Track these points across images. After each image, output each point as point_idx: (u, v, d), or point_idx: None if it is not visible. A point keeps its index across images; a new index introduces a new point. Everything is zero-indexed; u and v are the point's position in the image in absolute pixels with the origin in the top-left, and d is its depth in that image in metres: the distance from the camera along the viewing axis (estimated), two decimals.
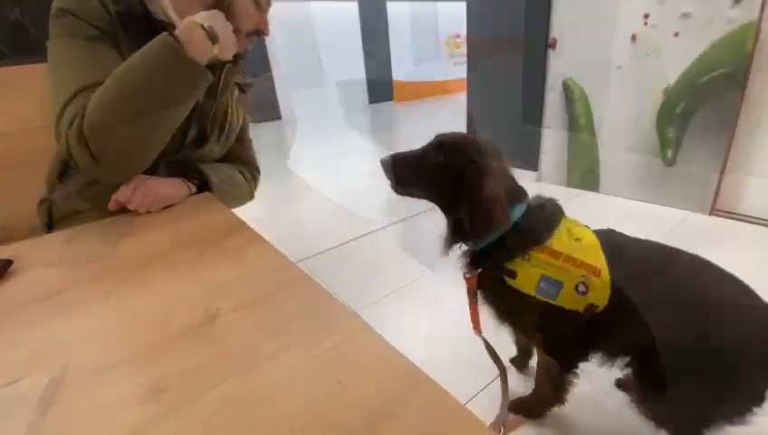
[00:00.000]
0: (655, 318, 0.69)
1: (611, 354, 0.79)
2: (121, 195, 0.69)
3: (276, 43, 6.17)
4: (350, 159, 3.93)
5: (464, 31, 2.93)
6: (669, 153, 2.07)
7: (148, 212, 0.70)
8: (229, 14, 0.70)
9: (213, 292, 0.44)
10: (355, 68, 7.02)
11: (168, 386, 0.32)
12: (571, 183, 2.54)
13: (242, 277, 0.48)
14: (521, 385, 1.08)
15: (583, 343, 0.79)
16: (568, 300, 0.71)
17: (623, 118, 2.20)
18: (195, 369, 0.33)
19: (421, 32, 7.25)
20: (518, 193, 0.79)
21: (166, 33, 0.63)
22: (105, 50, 0.69)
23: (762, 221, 1.90)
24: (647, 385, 0.76)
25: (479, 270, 0.78)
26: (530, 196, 0.81)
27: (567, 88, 2.38)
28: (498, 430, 0.79)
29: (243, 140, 0.99)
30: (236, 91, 0.90)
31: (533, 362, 1.08)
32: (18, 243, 0.65)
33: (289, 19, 6.19)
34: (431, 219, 2.48)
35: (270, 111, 6.48)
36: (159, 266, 0.52)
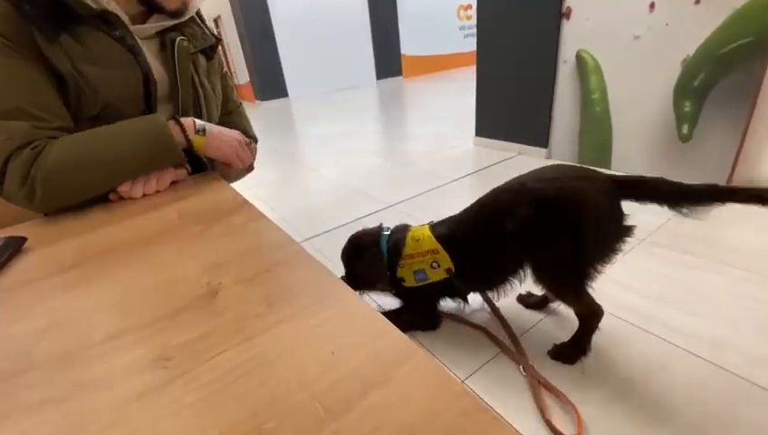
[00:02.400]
0: (489, 235, 1.05)
1: (486, 282, 1.18)
2: (124, 187, 0.69)
3: (281, 21, 6.04)
4: (357, 137, 3.90)
5: (474, 1, 2.83)
6: (686, 128, 2.01)
7: (157, 192, 0.71)
8: None
9: (215, 267, 0.46)
10: (363, 44, 6.86)
11: (174, 354, 0.33)
12: (582, 160, 2.49)
13: (243, 253, 0.50)
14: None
15: (460, 291, 1.22)
16: (434, 275, 1.12)
17: (639, 91, 2.12)
18: (198, 338, 0.35)
19: (431, 4, 7.00)
20: (374, 235, 1.19)
21: (162, 118, 0.70)
22: (15, 64, 0.63)
23: None
24: (538, 278, 1.03)
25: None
26: (385, 226, 1.22)
27: (581, 60, 2.30)
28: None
29: (230, 111, 0.95)
30: (202, 60, 0.83)
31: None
32: (30, 221, 0.68)
33: None
34: (434, 199, 2.48)
35: (275, 89, 6.42)
36: (165, 242, 0.54)
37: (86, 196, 0.68)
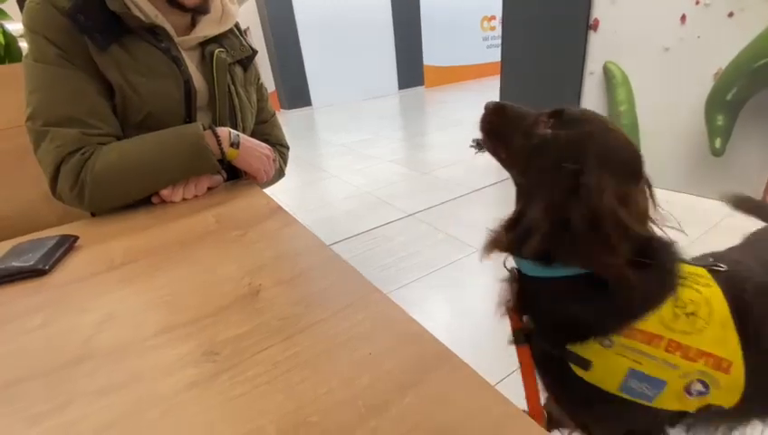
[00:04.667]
0: None
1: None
2: (165, 190, 0.73)
3: (307, 32, 6.21)
4: (378, 146, 3.94)
5: (499, 11, 2.85)
6: (718, 142, 1.95)
7: (195, 196, 0.75)
8: None
9: (255, 269, 0.48)
10: (386, 54, 6.96)
11: (221, 349, 0.36)
12: None
13: (280, 256, 0.52)
14: None
15: None
16: (672, 402, 0.48)
17: (668, 104, 2.08)
18: (243, 335, 0.37)
19: (455, 15, 7.05)
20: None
21: (201, 124, 0.74)
22: (68, 75, 0.68)
23: None
24: None
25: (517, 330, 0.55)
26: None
27: (608, 72, 2.27)
28: None
29: (264, 120, 0.98)
30: (239, 71, 0.87)
31: None
32: (80, 221, 0.73)
33: (320, 4, 6.18)
34: (456, 209, 2.47)
35: (300, 97, 6.57)
36: (207, 245, 0.57)
37: (130, 199, 0.73)
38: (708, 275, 0.51)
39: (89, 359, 0.37)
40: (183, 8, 0.75)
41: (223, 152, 0.75)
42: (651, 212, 0.51)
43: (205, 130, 0.73)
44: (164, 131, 0.72)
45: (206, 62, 0.80)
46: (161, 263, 0.53)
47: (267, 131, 0.98)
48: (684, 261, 0.52)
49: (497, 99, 2.78)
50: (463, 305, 1.47)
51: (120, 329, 0.41)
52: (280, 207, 0.68)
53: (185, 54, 0.77)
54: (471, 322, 1.38)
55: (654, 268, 0.47)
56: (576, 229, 0.44)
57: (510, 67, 2.82)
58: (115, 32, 0.68)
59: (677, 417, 0.52)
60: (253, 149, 0.81)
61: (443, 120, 4.97)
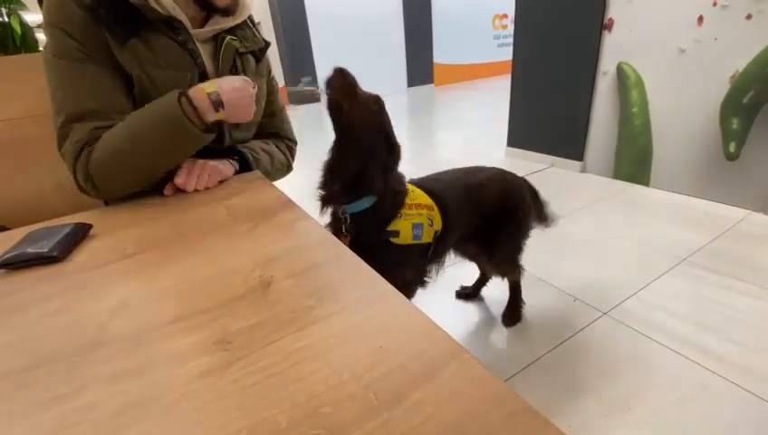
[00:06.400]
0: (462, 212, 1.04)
1: (456, 251, 1.19)
2: (179, 179, 0.73)
3: (317, 28, 6.20)
4: None
5: (511, 10, 2.82)
6: (733, 146, 1.92)
7: (207, 188, 0.76)
8: None
9: (266, 261, 0.49)
10: (396, 51, 6.93)
11: (233, 339, 0.36)
12: (618, 175, 2.43)
13: (291, 249, 0.53)
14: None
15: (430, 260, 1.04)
16: (428, 236, 0.94)
17: (683, 107, 2.05)
18: (255, 326, 0.37)
19: (466, 13, 7.00)
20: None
21: (177, 93, 0.68)
22: (94, 71, 0.69)
23: None
24: (486, 253, 1.18)
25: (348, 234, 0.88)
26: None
27: (621, 73, 2.25)
28: None
29: (273, 113, 0.97)
30: (252, 62, 0.87)
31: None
32: (95, 210, 0.73)
33: (329, 1, 6.17)
34: None
35: (310, 93, 6.57)
36: (218, 237, 0.57)
37: (133, 181, 0.73)
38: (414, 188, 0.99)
39: (103, 345, 0.38)
40: (213, 8, 0.76)
41: (206, 122, 0.71)
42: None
43: (180, 97, 0.68)
44: (143, 108, 0.70)
45: (218, 54, 0.80)
46: (173, 253, 0.54)
47: (276, 125, 0.99)
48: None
49: (508, 99, 2.75)
50: (473, 302, 1.47)
51: (134, 317, 0.41)
52: (291, 201, 0.69)
53: (199, 46, 0.77)
54: (481, 318, 1.38)
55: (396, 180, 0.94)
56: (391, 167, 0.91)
57: (521, 66, 2.79)
58: (134, 25, 0.69)
59: (427, 249, 0.97)
60: (237, 98, 0.73)
61: (452, 118, 4.95)
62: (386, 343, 0.34)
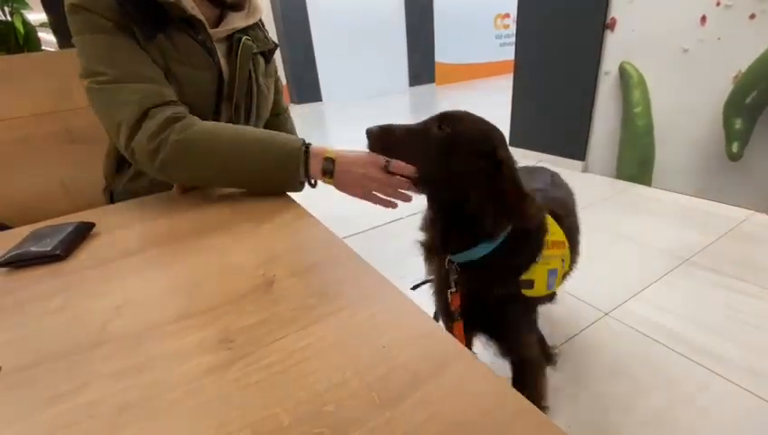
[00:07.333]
0: None
1: None
2: None
3: (320, 28, 6.20)
4: None
5: (513, 9, 2.82)
6: (735, 147, 1.92)
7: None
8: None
9: (269, 260, 0.49)
10: (397, 51, 6.93)
11: (236, 337, 0.36)
12: (620, 175, 2.42)
13: (293, 248, 0.53)
14: None
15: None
16: (558, 282, 0.70)
17: (685, 107, 2.04)
18: (258, 324, 0.37)
19: (468, 12, 6.99)
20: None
21: (302, 140, 0.68)
22: (128, 42, 0.68)
23: None
24: None
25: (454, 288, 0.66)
26: None
27: (624, 72, 2.24)
28: None
29: (277, 114, 0.99)
30: (261, 62, 0.87)
31: None
32: (97, 209, 0.74)
33: (331, 1, 6.17)
34: None
35: (311, 92, 6.57)
36: (221, 235, 0.57)
37: (200, 178, 0.71)
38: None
39: (106, 343, 0.38)
40: (221, 4, 0.76)
41: (312, 183, 0.70)
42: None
43: (302, 147, 0.67)
44: (265, 132, 0.69)
45: (232, 53, 0.81)
46: (176, 252, 0.54)
47: (280, 124, 1.00)
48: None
49: (510, 98, 2.73)
50: None
51: (137, 315, 0.41)
52: (293, 200, 0.69)
53: (215, 46, 0.78)
54: None
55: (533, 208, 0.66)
56: (502, 196, 0.59)
57: (523, 65, 2.79)
58: (159, 21, 0.69)
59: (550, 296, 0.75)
60: (350, 172, 0.67)
61: None
62: (388, 342, 0.34)
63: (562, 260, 0.69)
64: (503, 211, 0.59)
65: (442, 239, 0.65)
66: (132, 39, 0.68)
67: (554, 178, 0.95)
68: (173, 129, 0.65)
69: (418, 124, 0.65)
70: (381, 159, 0.64)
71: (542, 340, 0.83)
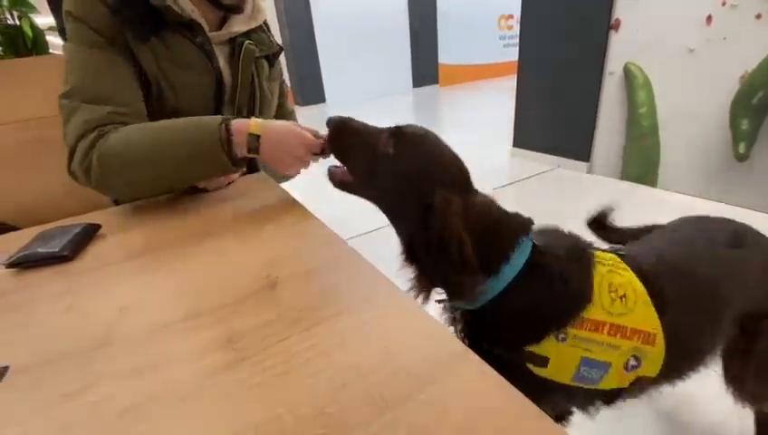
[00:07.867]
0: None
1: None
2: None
3: (323, 30, 6.22)
4: None
5: (517, 10, 2.81)
6: (742, 147, 1.90)
7: (217, 189, 0.76)
8: None
9: (273, 261, 0.49)
10: (401, 52, 6.93)
11: (241, 338, 0.36)
12: (625, 176, 2.40)
13: (296, 250, 0.53)
14: None
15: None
16: (613, 381, 0.51)
17: (691, 107, 2.03)
18: (261, 326, 0.38)
19: (471, 13, 6.98)
20: (516, 227, 0.52)
21: (220, 118, 0.65)
22: (109, 58, 0.68)
23: None
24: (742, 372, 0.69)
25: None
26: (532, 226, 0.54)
27: (629, 73, 2.23)
28: None
29: (283, 116, 0.97)
30: (265, 65, 0.87)
31: None
32: (104, 210, 0.74)
33: (334, 2, 6.18)
34: None
35: (315, 94, 6.59)
36: (225, 237, 0.58)
37: (135, 184, 0.69)
38: (618, 259, 0.55)
39: (113, 343, 0.38)
40: (219, 6, 0.76)
41: (236, 159, 0.66)
42: (495, 208, 0.53)
43: (221, 124, 0.64)
44: (179, 121, 0.67)
45: (234, 56, 0.81)
46: (180, 253, 0.54)
47: None
48: (587, 245, 0.56)
49: (514, 100, 2.71)
50: None
51: (143, 315, 0.42)
52: (297, 202, 0.69)
53: (215, 48, 0.78)
54: None
55: (570, 257, 0.51)
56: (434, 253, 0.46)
57: (527, 67, 2.78)
58: (154, 25, 0.69)
59: (613, 395, 0.54)
60: (278, 150, 0.67)
61: (457, 119, 4.94)
62: (391, 344, 0.34)
63: (633, 357, 0.50)
64: (440, 270, 0.48)
65: (428, 279, 0.51)
66: (119, 53, 0.68)
67: (736, 237, 0.70)
68: (96, 146, 0.64)
69: (376, 129, 0.58)
70: (310, 139, 0.65)
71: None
